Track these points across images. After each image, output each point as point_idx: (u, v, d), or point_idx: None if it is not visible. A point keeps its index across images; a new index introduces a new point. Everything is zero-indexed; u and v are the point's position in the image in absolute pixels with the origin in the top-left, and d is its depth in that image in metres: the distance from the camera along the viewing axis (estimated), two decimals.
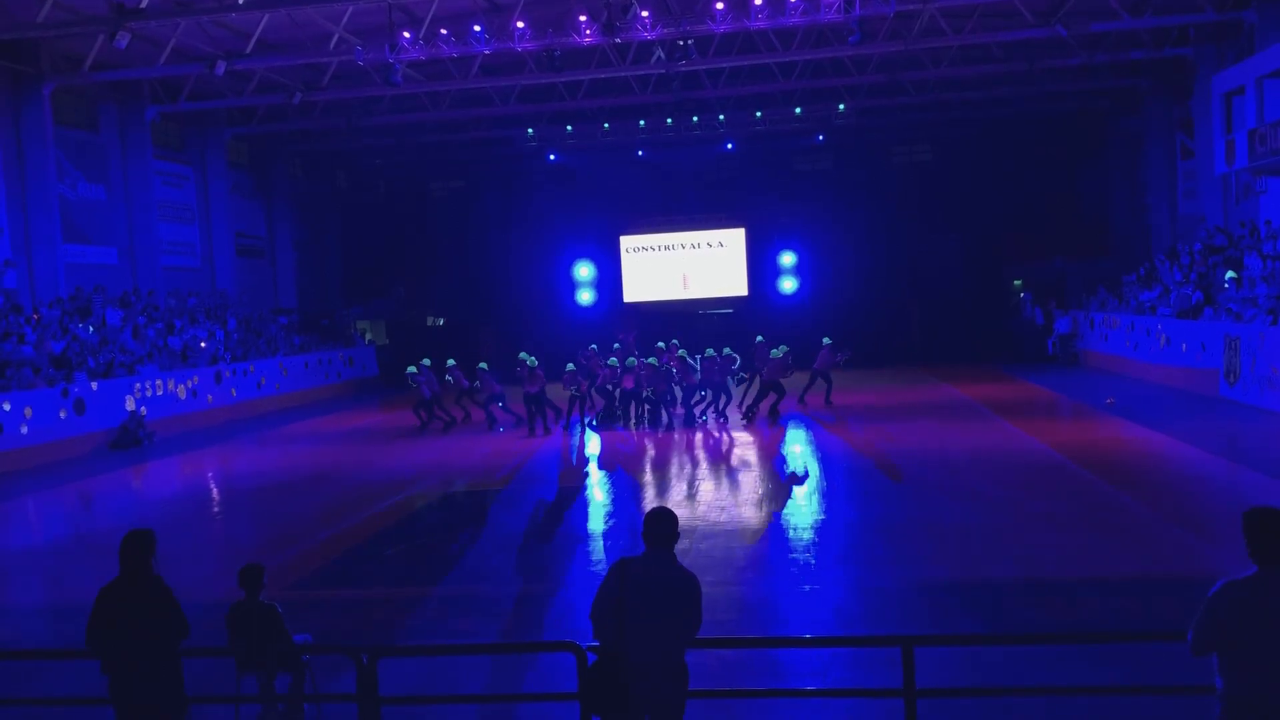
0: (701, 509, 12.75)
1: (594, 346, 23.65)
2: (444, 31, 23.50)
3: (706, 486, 14.35)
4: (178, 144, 31.20)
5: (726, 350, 21.74)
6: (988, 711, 6.38)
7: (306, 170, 38.29)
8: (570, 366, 20.78)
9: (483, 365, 21.40)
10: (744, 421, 20.28)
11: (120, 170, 28.19)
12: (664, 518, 5.03)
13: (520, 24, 23.20)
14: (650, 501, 13.50)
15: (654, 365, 20.78)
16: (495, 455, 18.20)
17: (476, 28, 23.39)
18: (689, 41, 23.63)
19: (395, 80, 24.22)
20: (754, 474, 15.35)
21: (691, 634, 4.97)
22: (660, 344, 23.51)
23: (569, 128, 34.67)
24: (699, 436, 19.21)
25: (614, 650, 4.85)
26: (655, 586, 4.86)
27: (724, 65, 28.08)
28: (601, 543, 11.64)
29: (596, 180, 37.58)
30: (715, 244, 35.50)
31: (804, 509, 12.81)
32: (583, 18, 23.18)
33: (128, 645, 5.19)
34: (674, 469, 16.08)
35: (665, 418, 20.69)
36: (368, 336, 38.13)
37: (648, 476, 15.72)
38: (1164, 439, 16.10)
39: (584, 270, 35.83)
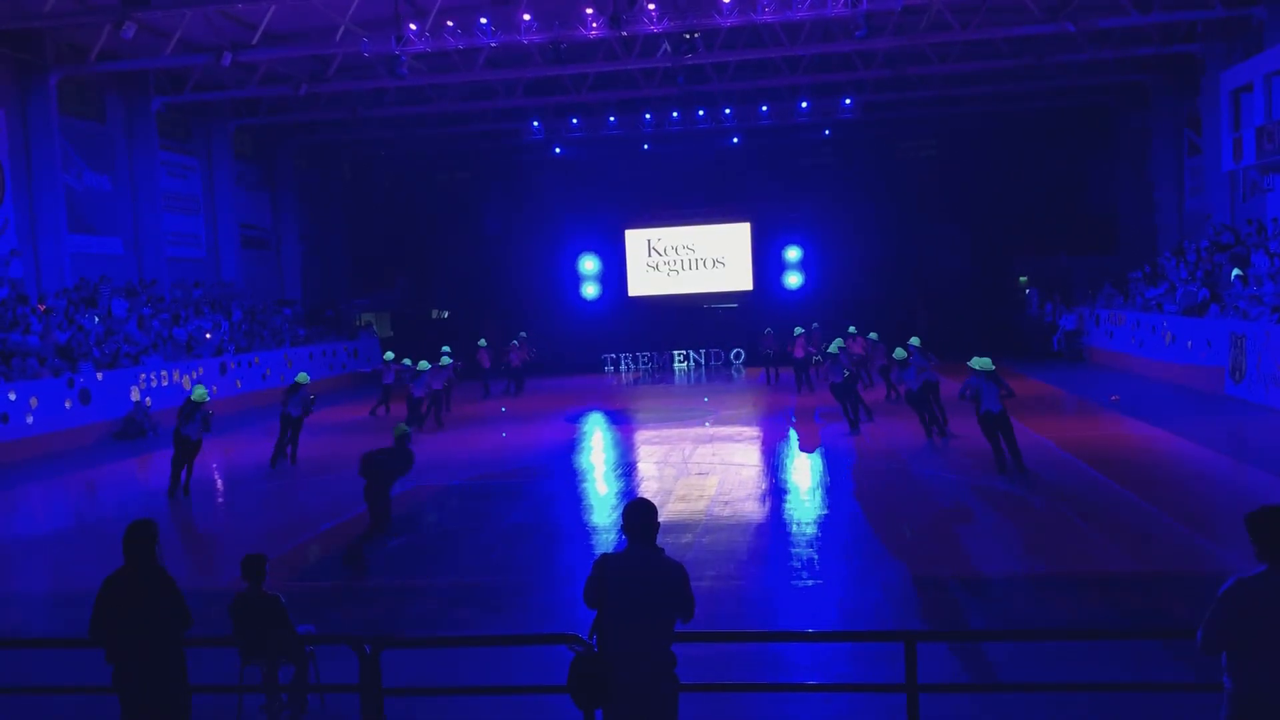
0: (705, 503, 12.74)
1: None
2: (450, 24, 23.46)
3: (710, 481, 14.34)
4: (183, 135, 31.19)
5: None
6: (990, 707, 6.37)
7: (312, 161, 38.24)
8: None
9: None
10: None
11: (126, 161, 28.18)
12: (641, 510, 4.92)
13: (526, 16, 23.14)
14: (652, 495, 13.48)
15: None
16: (498, 448, 18.20)
17: (483, 20, 23.35)
18: (695, 35, 23.56)
19: (401, 72, 24.23)
20: (757, 469, 15.33)
21: (685, 620, 4.90)
22: None
23: (574, 121, 34.60)
24: (705, 430, 19.20)
25: (594, 642, 4.84)
26: (637, 579, 4.80)
27: (730, 59, 27.99)
28: (604, 535, 11.63)
29: (602, 174, 37.48)
30: (720, 238, 35.45)
31: (807, 504, 12.79)
32: (589, 10, 23.11)
33: (131, 635, 5.20)
34: (679, 463, 16.06)
35: None
36: (372, 327, 38.15)
37: (652, 470, 15.71)
38: (1169, 436, 16.07)
39: (589, 264, 35.81)
